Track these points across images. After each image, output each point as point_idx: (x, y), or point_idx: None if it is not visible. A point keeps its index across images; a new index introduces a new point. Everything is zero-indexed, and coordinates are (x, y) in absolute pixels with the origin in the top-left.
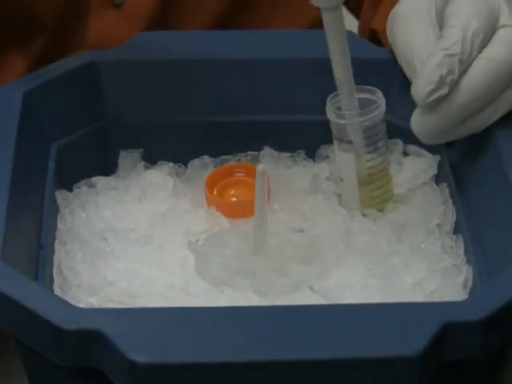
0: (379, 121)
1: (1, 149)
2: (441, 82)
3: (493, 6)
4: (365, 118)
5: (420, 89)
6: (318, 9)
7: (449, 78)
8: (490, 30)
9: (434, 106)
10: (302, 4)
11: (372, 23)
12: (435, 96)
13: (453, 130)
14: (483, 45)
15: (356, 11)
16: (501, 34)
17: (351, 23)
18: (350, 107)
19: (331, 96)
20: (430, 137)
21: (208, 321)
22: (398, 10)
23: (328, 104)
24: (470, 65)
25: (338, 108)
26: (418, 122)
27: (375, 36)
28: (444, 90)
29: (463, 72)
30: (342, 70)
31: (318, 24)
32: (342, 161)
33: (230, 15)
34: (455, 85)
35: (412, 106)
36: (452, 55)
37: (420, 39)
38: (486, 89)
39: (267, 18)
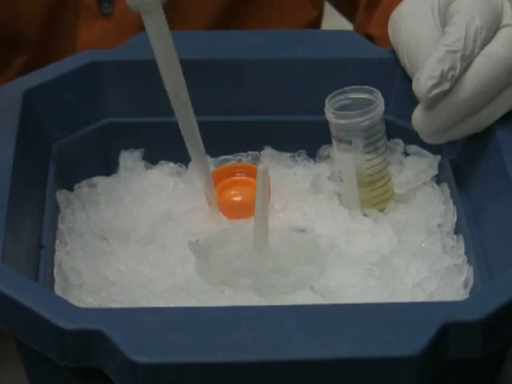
0: (378, 121)
1: (1, 149)
2: (442, 77)
3: (496, 6)
4: (364, 117)
5: (422, 83)
6: (314, 10)
7: (450, 74)
8: (493, 29)
9: (436, 101)
10: (298, 6)
11: (368, 29)
12: (437, 91)
13: (454, 128)
14: (485, 43)
15: (350, 16)
16: (503, 33)
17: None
18: (195, 150)
19: (330, 96)
20: (431, 134)
21: (208, 321)
22: (401, 9)
23: (327, 105)
24: (471, 62)
25: (337, 108)
26: (420, 119)
27: (371, 41)
28: (445, 86)
29: (465, 69)
30: (172, 84)
31: (314, 26)
32: (342, 161)
33: (223, 21)
34: (457, 81)
35: (413, 105)
36: (454, 51)
37: (424, 37)
38: (487, 85)
39: (263, 20)
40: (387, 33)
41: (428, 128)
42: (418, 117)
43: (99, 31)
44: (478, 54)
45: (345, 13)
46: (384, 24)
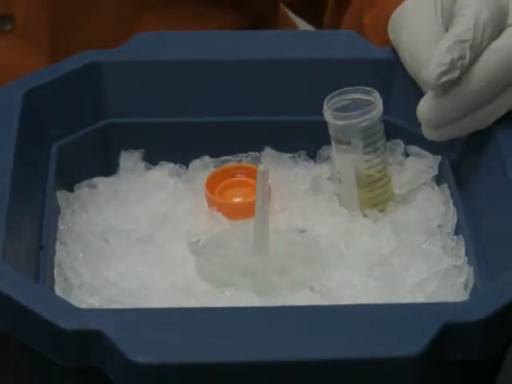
0: (377, 121)
1: (1, 149)
2: (452, 64)
3: (502, 3)
4: (362, 118)
5: (431, 70)
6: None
7: (460, 62)
8: (499, 26)
9: (444, 89)
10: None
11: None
12: (446, 78)
13: (459, 122)
14: (492, 38)
15: (311, 19)
16: (509, 31)
17: None
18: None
19: (328, 97)
20: (437, 126)
21: (208, 321)
22: (402, 8)
23: (325, 106)
24: (480, 54)
25: (336, 109)
26: (427, 108)
27: None
28: (455, 74)
29: (474, 60)
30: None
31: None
32: (341, 162)
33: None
34: (466, 71)
35: (413, 106)
36: (463, 41)
37: (425, 34)
38: (496, 76)
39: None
40: (362, 33)
41: (434, 119)
42: (425, 106)
43: (2, 47)
44: (486, 46)
45: (307, 18)
46: (355, 27)
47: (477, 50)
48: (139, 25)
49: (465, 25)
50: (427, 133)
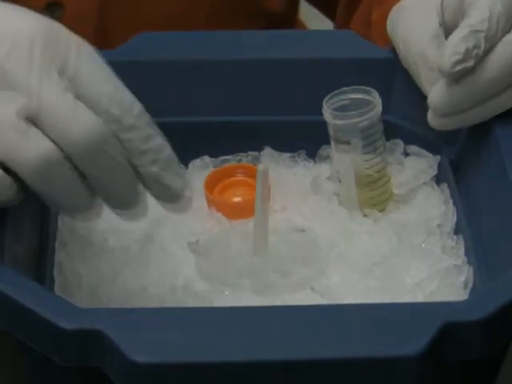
0: (376, 121)
1: None
2: (467, 53)
3: None
4: (361, 118)
5: (446, 59)
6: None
7: (475, 52)
8: (511, 19)
9: (458, 77)
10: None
11: (349, 26)
12: (460, 67)
13: (469, 112)
14: (505, 31)
15: (327, 11)
16: None
17: None
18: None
19: (328, 97)
20: (447, 114)
21: (208, 321)
22: (401, 4)
23: (324, 105)
24: (494, 46)
25: (335, 109)
26: (439, 95)
27: None
28: (470, 62)
29: (488, 51)
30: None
31: None
32: (340, 162)
33: (171, 23)
34: (480, 61)
35: (413, 105)
36: (478, 31)
37: (423, 28)
38: (510, 70)
39: (218, 22)
40: (369, 32)
41: (444, 107)
42: (438, 93)
43: None
44: (500, 38)
45: (322, 8)
46: (364, 23)
47: (491, 41)
48: (185, 25)
49: (480, 16)
50: (433, 120)
